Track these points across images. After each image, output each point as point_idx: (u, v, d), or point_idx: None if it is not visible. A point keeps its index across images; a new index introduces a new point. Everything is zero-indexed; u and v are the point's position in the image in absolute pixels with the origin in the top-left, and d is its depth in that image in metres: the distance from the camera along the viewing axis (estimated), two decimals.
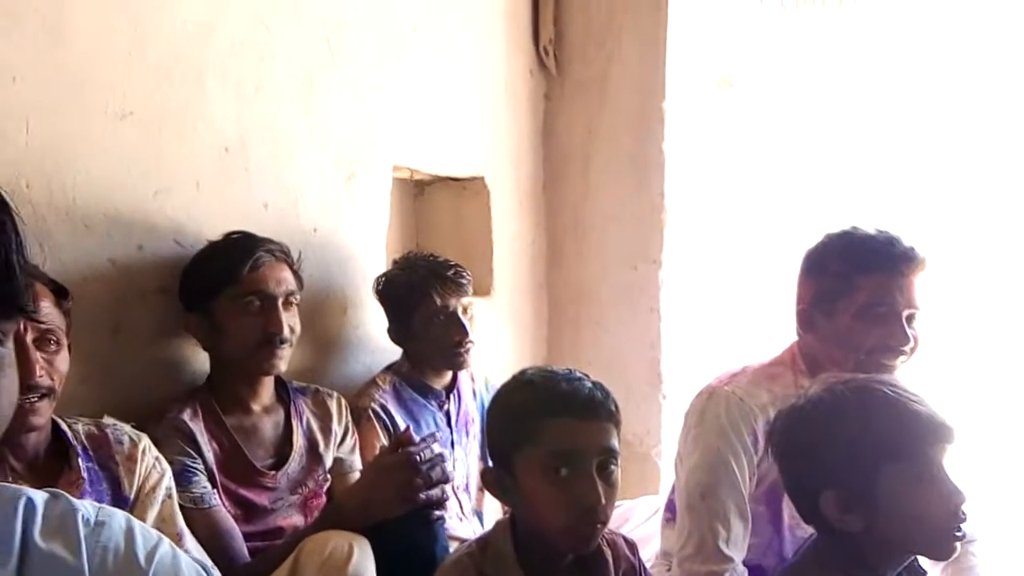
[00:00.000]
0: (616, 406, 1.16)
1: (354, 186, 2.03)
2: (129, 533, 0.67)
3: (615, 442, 1.13)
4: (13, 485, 0.67)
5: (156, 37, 1.60)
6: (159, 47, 1.61)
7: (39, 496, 0.65)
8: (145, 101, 1.58)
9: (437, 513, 1.34)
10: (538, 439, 1.11)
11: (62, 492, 0.68)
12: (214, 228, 1.68)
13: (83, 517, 0.66)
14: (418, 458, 1.32)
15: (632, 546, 1.28)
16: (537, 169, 2.63)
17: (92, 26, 1.50)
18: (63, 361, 1.22)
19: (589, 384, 1.15)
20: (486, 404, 2.09)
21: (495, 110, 2.46)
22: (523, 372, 1.22)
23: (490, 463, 2.01)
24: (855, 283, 1.49)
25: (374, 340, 2.07)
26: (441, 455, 1.38)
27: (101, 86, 1.52)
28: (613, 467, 1.12)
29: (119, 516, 0.68)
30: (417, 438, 1.39)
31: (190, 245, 1.64)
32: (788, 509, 1.60)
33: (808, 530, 1.57)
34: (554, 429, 1.11)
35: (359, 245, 2.06)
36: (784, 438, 1.23)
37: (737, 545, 1.50)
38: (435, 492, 1.33)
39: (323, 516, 1.39)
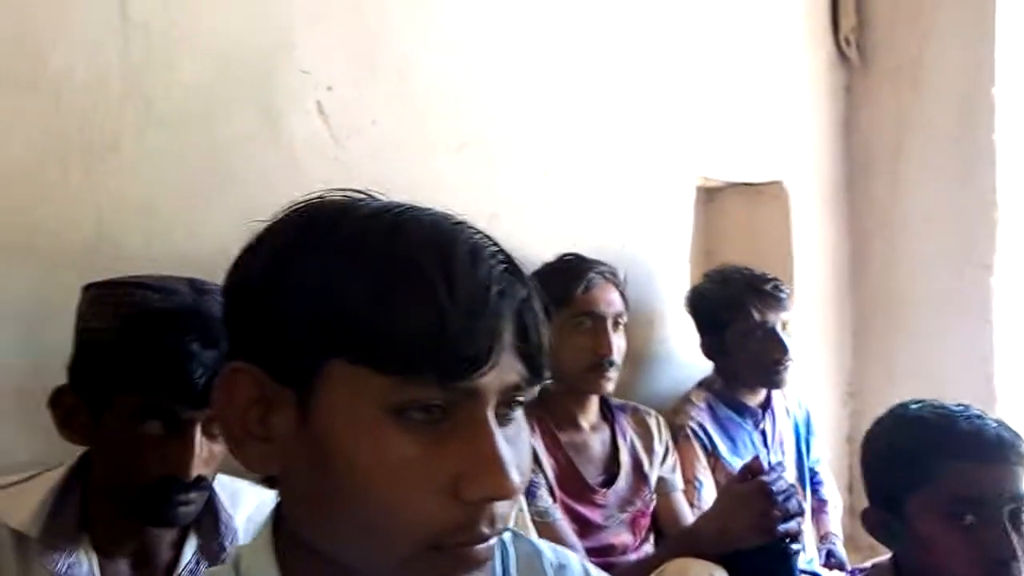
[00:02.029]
0: None
1: (659, 199, 2.02)
2: (586, 574, 0.69)
3: None
4: None
5: (486, 75, 1.69)
6: (488, 84, 1.69)
7: (506, 535, 0.69)
8: (478, 132, 1.68)
9: (795, 546, 1.28)
10: (938, 483, 1.01)
11: (519, 531, 0.71)
12: (536, 249, 1.73)
13: (546, 559, 0.68)
14: (773, 488, 1.27)
15: None
16: (837, 168, 2.47)
17: (433, 70, 1.61)
18: None
19: (993, 423, 1.03)
20: (799, 423, 1.99)
21: (793, 109, 2.34)
22: (903, 407, 1.12)
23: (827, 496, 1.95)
24: None
25: (679, 354, 2.05)
26: (793, 486, 1.32)
27: (441, 123, 1.63)
28: None
29: (572, 558, 0.70)
30: (766, 466, 1.34)
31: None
32: None
33: None
34: (958, 472, 1.01)
35: (663, 258, 2.04)
36: None
37: None
38: (792, 525, 1.27)
39: (678, 541, 1.38)
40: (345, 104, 1.49)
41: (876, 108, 2.40)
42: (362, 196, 0.60)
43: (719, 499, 1.39)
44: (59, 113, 1.23)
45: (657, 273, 2.02)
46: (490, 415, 0.53)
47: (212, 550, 1.07)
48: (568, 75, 1.84)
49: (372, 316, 0.51)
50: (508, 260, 0.56)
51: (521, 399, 0.56)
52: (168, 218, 1.33)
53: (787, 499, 1.27)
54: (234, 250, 1.40)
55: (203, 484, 0.99)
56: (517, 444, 0.56)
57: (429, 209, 0.57)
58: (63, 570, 0.98)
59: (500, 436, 0.53)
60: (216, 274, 1.33)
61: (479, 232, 0.56)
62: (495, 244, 0.56)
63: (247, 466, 0.55)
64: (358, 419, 0.51)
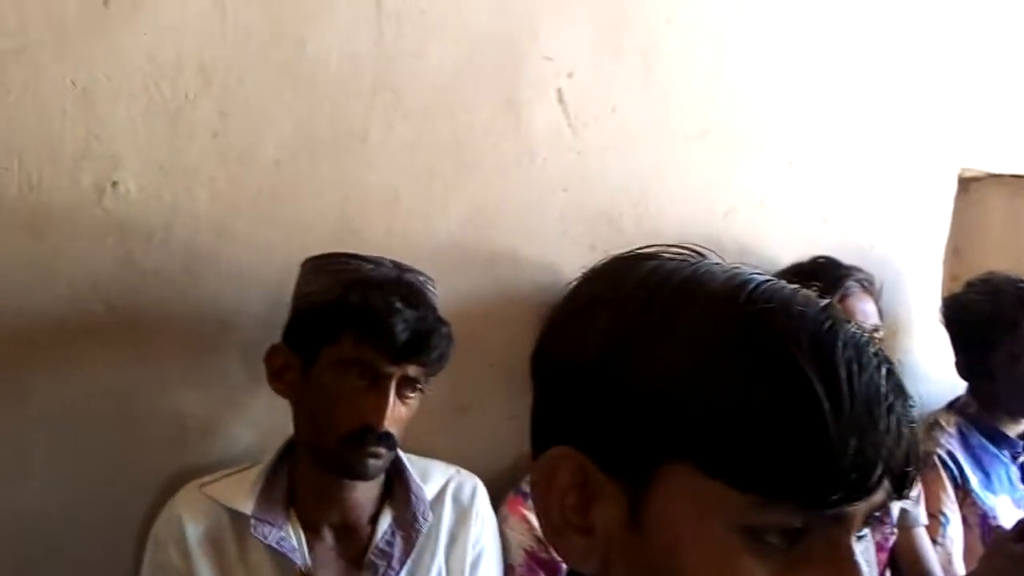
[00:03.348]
0: None
1: (914, 193, 1.81)
2: None
3: None
4: None
5: (732, 58, 1.55)
6: (734, 67, 1.56)
7: None
8: (720, 120, 1.55)
9: None
10: None
11: None
12: (775, 247, 1.60)
13: None
14: None
15: None
16: None
17: (677, 53, 1.50)
18: None
19: None
20: None
21: None
22: None
23: None
24: None
25: (925, 369, 1.84)
26: None
27: (683, 109, 1.52)
28: None
29: None
30: None
31: (754, 265, 1.59)
32: None
33: None
34: None
35: (914, 259, 1.83)
36: None
37: None
38: None
39: None
40: (585, 91, 1.41)
41: None
42: (693, 257, 0.52)
43: (989, 558, 1.22)
44: (312, 103, 1.24)
45: (906, 275, 1.82)
46: (853, 542, 0.45)
47: (405, 520, 1.12)
48: (817, 57, 1.65)
49: (735, 424, 0.43)
50: (887, 359, 0.46)
51: (879, 515, 0.48)
52: (408, 208, 1.32)
53: None
54: (469, 243, 1.39)
55: (392, 440, 1.05)
56: (870, 564, 0.48)
57: (782, 283, 0.49)
58: (275, 543, 1.05)
59: (864, 566, 0.45)
60: (449, 266, 1.32)
61: (849, 320, 0.47)
62: (868, 336, 0.47)
63: (565, 559, 0.50)
64: (704, 536, 0.44)
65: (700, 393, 0.44)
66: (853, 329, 0.46)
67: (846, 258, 1.57)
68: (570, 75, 1.40)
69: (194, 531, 1.07)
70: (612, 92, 1.44)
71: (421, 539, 1.11)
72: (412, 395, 1.07)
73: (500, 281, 1.39)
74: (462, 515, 1.18)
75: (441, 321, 1.06)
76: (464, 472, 1.23)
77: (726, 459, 0.44)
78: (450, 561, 1.15)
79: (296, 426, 1.11)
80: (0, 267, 1.10)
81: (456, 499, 1.19)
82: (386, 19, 1.26)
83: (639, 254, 0.53)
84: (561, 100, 1.40)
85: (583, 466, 0.48)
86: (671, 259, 0.52)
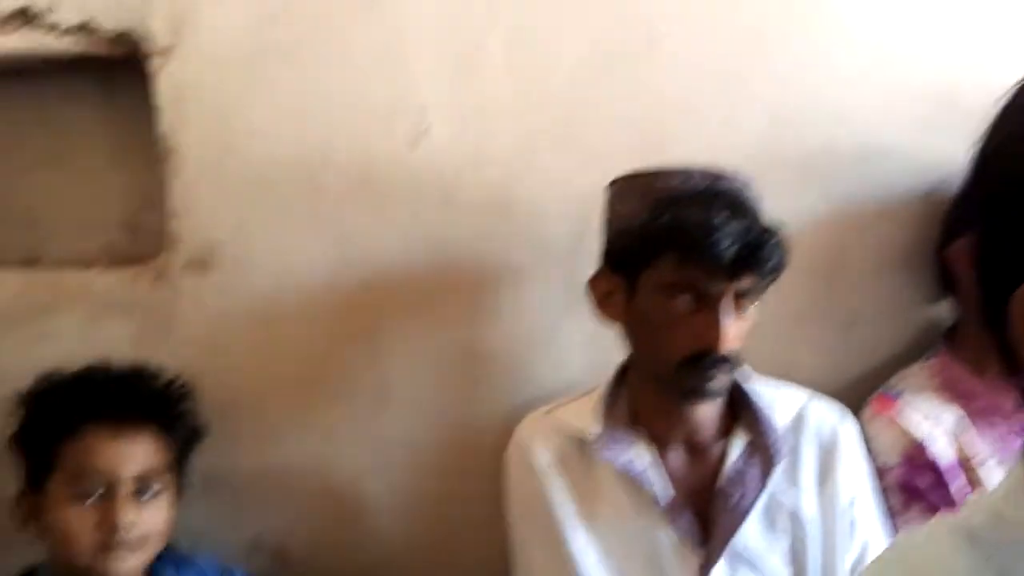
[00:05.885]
0: None
1: None
2: None
3: None
4: None
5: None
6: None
7: None
8: None
9: None
10: None
11: None
12: None
13: None
14: None
15: None
16: None
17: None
18: None
19: None
20: None
21: None
22: None
23: None
24: None
25: None
26: None
27: None
28: None
29: None
30: None
31: None
32: None
33: None
34: None
35: None
36: None
37: None
38: None
39: None
40: None
41: None
42: None
43: None
44: (600, 18, 1.21)
45: None
46: None
47: (759, 447, 1.03)
48: None
49: None
50: None
51: None
52: (707, 114, 1.24)
53: None
54: (777, 141, 1.26)
55: (732, 361, 0.97)
56: None
57: None
58: (625, 465, 1.02)
59: None
60: (758, 170, 1.21)
61: None
62: None
63: None
64: None
65: None
66: None
67: None
68: None
69: (542, 455, 1.07)
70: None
71: (777, 471, 1.02)
72: (748, 307, 0.99)
73: (814, 180, 1.25)
74: (826, 456, 1.06)
75: (769, 227, 0.95)
76: (819, 399, 1.10)
77: None
78: (821, 501, 1.03)
79: (632, 354, 1.07)
80: (343, 225, 1.21)
81: (819, 435, 1.07)
82: None
83: None
84: None
85: None
86: None
